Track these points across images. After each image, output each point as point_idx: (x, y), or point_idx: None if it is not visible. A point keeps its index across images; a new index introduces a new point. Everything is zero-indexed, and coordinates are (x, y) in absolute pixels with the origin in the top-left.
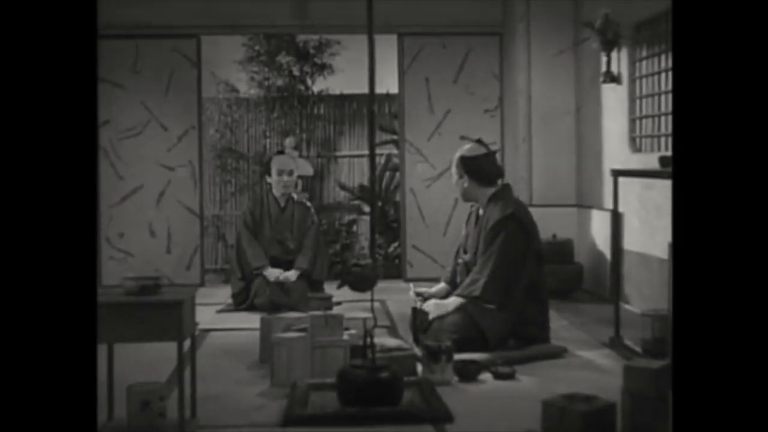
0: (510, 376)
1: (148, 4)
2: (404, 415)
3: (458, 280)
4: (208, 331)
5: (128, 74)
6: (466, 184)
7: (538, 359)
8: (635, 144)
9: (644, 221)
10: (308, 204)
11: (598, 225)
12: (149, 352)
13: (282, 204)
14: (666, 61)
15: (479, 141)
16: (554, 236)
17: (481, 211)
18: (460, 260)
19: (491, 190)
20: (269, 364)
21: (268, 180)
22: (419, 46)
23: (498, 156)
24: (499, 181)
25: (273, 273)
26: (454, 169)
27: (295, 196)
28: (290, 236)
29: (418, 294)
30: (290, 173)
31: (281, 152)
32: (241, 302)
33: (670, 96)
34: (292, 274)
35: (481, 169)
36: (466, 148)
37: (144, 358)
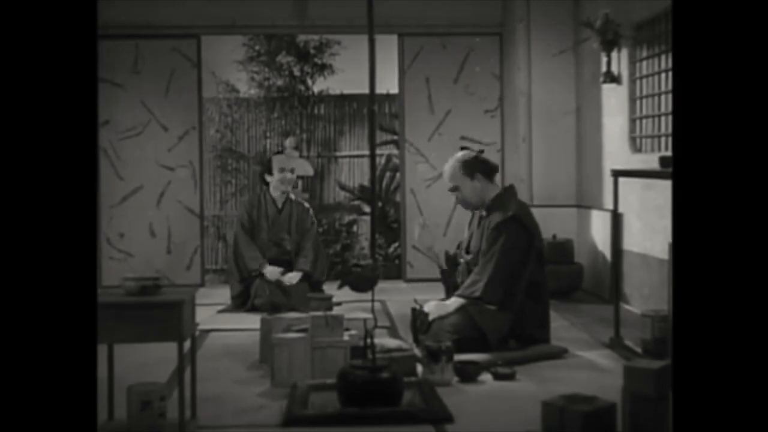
0: (510, 377)
1: (148, 4)
2: (404, 415)
3: (459, 280)
4: (208, 331)
5: (128, 74)
6: (479, 183)
7: (539, 360)
8: (635, 144)
9: (644, 221)
10: (307, 205)
11: (598, 225)
12: (149, 352)
13: (279, 205)
14: (666, 61)
15: (464, 148)
16: (554, 236)
17: (483, 212)
18: (461, 260)
19: (496, 190)
20: (269, 365)
21: (268, 179)
22: (419, 46)
23: (486, 155)
24: (496, 179)
25: (273, 272)
26: (459, 176)
27: (293, 196)
28: (288, 237)
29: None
30: (292, 171)
31: (281, 152)
32: (241, 304)
33: (670, 96)
34: (294, 276)
35: (485, 163)
36: (461, 155)
37: (144, 358)
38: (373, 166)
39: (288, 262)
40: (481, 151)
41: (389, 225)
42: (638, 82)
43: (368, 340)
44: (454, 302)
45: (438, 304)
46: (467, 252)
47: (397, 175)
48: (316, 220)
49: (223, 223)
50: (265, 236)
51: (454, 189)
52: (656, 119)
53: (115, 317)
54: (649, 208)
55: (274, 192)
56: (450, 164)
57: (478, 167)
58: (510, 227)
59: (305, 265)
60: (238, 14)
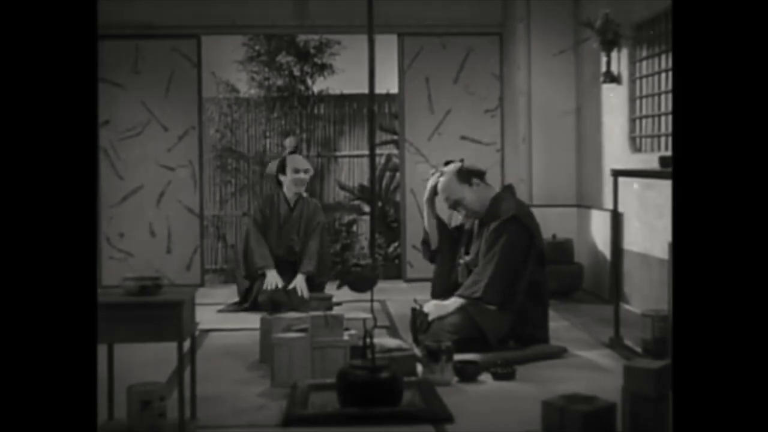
0: (510, 377)
1: (148, 4)
2: (404, 415)
3: (459, 280)
4: (208, 331)
5: (128, 74)
6: (477, 187)
7: (538, 359)
8: (635, 144)
9: (644, 221)
10: (318, 203)
11: (598, 225)
12: (149, 352)
13: (292, 204)
14: (666, 61)
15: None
16: (554, 236)
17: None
18: (461, 261)
19: (494, 191)
20: (269, 365)
21: (281, 179)
22: (419, 46)
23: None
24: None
25: (271, 281)
26: (457, 187)
27: (305, 194)
28: (296, 239)
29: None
30: (306, 172)
31: (295, 152)
32: (245, 301)
33: (670, 96)
34: (301, 281)
35: (477, 169)
36: (450, 168)
37: (144, 358)
38: (372, 166)
39: (294, 263)
40: (462, 161)
41: (389, 225)
42: (638, 81)
43: (368, 340)
44: (454, 302)
45: (438, 304)
46: (467, 253)
47: (397, 174)
48: (325, 219)
49: (223, 223)
50: (275, 235)
51: (456, 204)
52: (656, 119)
53: (115, 317)
54: (649, 208)
55: (288, 192)
56: (443, 181)
57: (471, 173)
58: (510, 227)
59: (309, 266)
60: (238, 14)
